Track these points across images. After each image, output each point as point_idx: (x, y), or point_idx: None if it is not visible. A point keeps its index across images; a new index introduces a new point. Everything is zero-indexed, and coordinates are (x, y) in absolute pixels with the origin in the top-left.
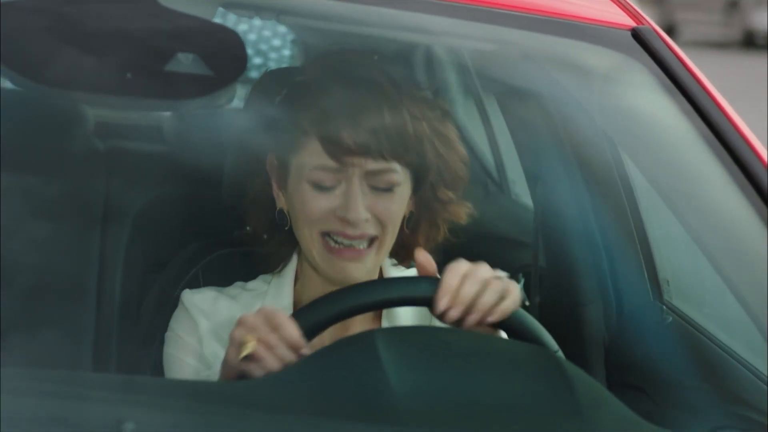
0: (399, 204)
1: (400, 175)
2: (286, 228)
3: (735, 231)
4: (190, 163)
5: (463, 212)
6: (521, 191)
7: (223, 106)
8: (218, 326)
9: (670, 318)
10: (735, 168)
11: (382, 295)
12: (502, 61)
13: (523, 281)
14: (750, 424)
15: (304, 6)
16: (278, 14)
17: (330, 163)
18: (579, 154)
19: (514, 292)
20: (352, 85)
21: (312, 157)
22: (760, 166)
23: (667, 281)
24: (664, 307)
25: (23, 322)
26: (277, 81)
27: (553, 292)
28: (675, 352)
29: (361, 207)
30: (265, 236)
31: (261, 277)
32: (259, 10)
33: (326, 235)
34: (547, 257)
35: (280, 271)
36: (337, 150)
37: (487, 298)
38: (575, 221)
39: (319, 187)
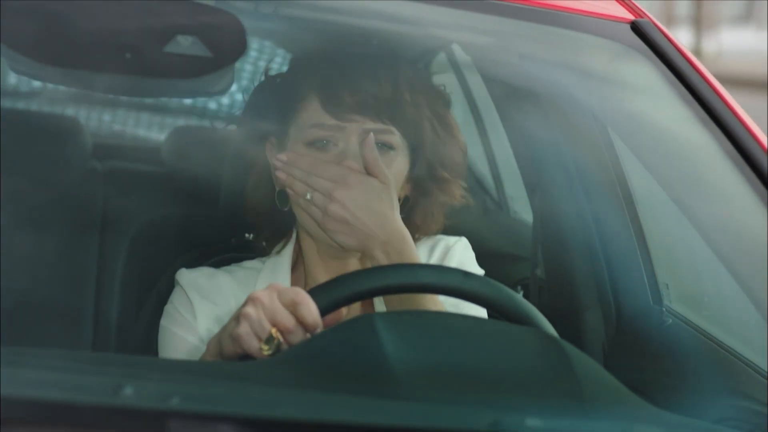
0: (395, 168)
1: (397, 139)
2: (286, 209)
3: (741, 222)
4: (189, 184)
5: (457, 192)
6: (520, 208)
7: (221, 92)
8: (214, 303)
9: (670, 320)
10: (740, 159)
11: (406, 278)
12: (499, 58)
13: (521, 293)
14: (752, 416)
15: None
16: (276, 6)
17: (329, 120)
18: (578, 159)
19: None
20: (353, 55)
21: (311, 116)
22: (764, 156)
23: (667, 285)
24: (664, 310)
25: (20, 340)
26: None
27: (553, 298)
28: (675, 353)
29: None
30: (265, 225)
31: (258, 258)
32: (257, 1)
33: None
34: (546, 264)
35: (278, 252)
36: (336, 106)
37: None
38: (574, 227)
39: (317, 145)
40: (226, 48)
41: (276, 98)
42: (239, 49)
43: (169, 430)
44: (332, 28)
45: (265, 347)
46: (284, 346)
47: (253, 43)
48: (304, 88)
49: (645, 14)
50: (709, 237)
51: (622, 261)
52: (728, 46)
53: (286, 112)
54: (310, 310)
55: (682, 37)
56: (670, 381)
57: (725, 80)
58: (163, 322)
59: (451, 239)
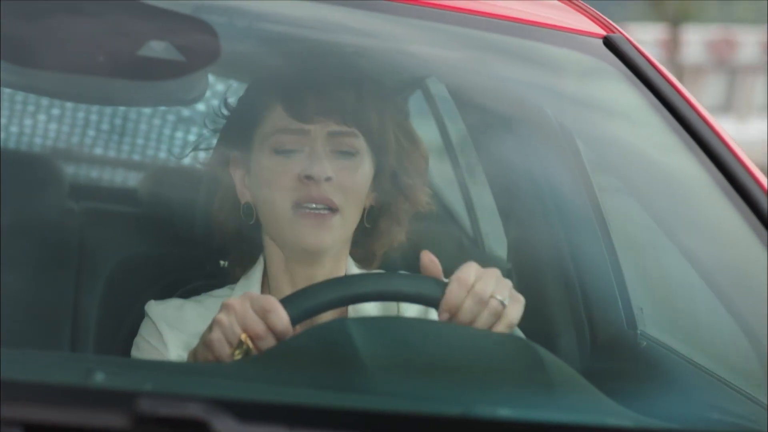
0: (361, 174)
1: (362, 143)
2: (252, 222)
3: (722, 238)
4: (165, 223)
5: (423, 198)
6: (495, 245)
7: (195, 100)
8: (183, 332)
9: (645, 343)
10: (717, 172)
11: (380, 287)
12: (472, 76)
13: None
14: (728, 427)
15: (276, 10)
16: (251, 20)
17: (293, 124)
18: (551, 183)
19: (509, 316)
20: (317, 66)
21: (275, 122)
22: (743, 171)
23: (641, 309)
24: (639, 334)
25: None
26: None
27: (527, 325)
28: (650, 377)
29: (325, 163)
30: (232, 245)
31: (227, 286)
32: (232, 14)
33: (294, 206)
34: (520, 290)
35: (247, 275)
36: (299, 110)
37: (482, 321)
38: (548, 253)
39: (282, 151)
40: (198, 55)
41: (240, 112)
42: (212, 56)
43: (140, 408)
44: (306, 45)
45: (236, 352)
46: (254, 352)
47: (226, 55)
48: (267, 96)
49: (617, 29)
50: (688, 256)
51: (596, 285)
52: None
53: (250, 123)
54: (280, 317)
55: None
56: (646, 403)
57: None
58: (133, 353)
59: None
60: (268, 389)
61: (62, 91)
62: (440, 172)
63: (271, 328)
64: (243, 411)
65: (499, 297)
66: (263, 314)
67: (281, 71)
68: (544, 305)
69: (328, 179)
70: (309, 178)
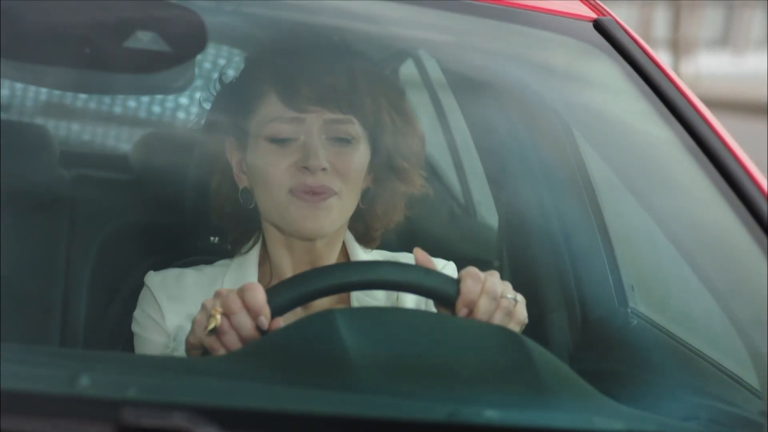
0: (358, 159)
1: (358, 129)
2: (251, 207)
3: (705, 220)
4: (156, 191)
5: (418, 181)
6: (487, 213)
7: (183, 88)
8: (182, 301)
9: (635, 321)
10: (702, 156)
11: (369, 275)
12: (463, 58)
13: None
14: (717, 414)
15: None
16: (238, 4)
17: (288, 113)
18: (543, 160)
19: (519, 314)
20: (308, 49)
21: (269, 110)
22: (729, 155)
23: (632, 287)
24: (629, 312)
25: None
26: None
27: None
28: (640, 355)
29: (321, 153)
30: (231, 226)
31: (227, 258)
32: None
33: (290, 191)
34: (511, 266)
35: (244, 252)
36: (294, 99)
37: (497, 318)
38: (540, 229)
39: (278, 141)
40: (185, 44)
41: (234, 97)
42: (199, 44)
43: (124, 419)
44: (294, 27)
45: (209, 323)
46: (221, 325)
47: (214, 42)
48: (261, 84)
49: (607, 12)
50: (675, 236)
51: (587, 263)
52: (705, 70)
53: (244, 110)
54: (255, 295)
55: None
56: (636, 382)
57: (705, 103)
58: (134, 328)
59: (440, 262)
60: (252, 391)
61: (49, 80)
62: (432, 140)
63: (245, 305)
64: (227, 419)
65: (509, 295)
66: (241, 293)
67: (272, 55)
68: (535, 283)
69: (324, 170)
70: (306, 168)
